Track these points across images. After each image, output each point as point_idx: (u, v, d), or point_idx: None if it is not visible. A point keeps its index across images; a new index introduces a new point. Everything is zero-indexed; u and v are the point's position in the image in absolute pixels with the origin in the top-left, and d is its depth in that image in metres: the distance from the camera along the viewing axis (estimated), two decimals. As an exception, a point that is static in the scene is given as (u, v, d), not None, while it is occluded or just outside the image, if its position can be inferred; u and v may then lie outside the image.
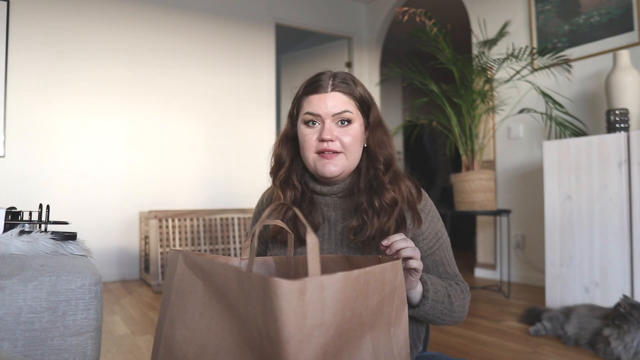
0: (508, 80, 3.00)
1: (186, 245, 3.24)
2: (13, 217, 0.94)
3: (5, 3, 3.04)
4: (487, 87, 3.06)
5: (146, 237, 3.26)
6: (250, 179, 3.81)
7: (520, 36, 3.22)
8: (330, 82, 0.91)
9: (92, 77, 3.32)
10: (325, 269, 0.80)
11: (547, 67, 2.89)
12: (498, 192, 3.36)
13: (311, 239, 0.55)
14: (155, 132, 3.54)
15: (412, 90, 5.08)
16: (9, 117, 3.05)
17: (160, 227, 3.16)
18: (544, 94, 2.79)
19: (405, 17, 2.89)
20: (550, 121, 2.80)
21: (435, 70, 3.20)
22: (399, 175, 0.95)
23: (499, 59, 2.96)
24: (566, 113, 2.77)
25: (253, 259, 0.62)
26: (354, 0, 4.58)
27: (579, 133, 2.71)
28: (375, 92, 4.51)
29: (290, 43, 5.49)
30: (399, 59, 3.53)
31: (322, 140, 0.90)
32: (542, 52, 2.84)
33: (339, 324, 0.54)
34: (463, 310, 0.93)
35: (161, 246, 3.12)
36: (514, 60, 2.93)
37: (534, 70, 3.09)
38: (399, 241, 0.77)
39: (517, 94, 3.20)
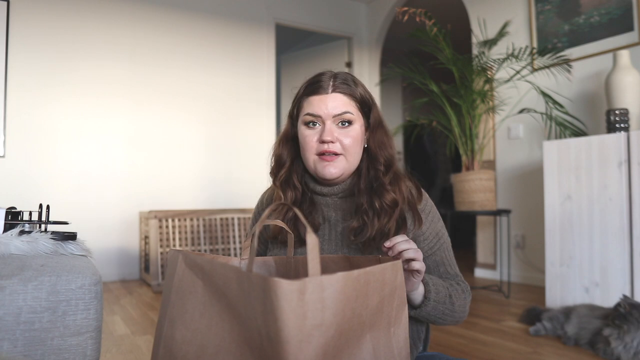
0: (508, 80, 3.00)
1: (186, 245, 3.24)
2: (13, 217, 0.94)
3: (5, 3, 3.04)
4: (487, 87, 3.06)
5: (146, 237, 3.26)
6: (250, 179, 3.82)
7: (520, 36, 3.22)
8: (331, 83, 0.91)
9: (92, 77, 3.32)
10: (325, 269, 0.80)
11: (547, 67, 2.89)
12: (498, 192, 3.36)
13: (311, 239, 0.55)
14: (155, 132, 3.54)
15: (412, 90, 5.08)
16: (9, 117, 3.05)
17: (160, 227, 3.16)
18: (544, 94, 2.79)
19: (405, 17, 2.89)
20: (550, 121, 2.80)
21: (435, 70, 3.20)
22: (400, 176, 0.95)
23: (499, 59, 2.96)
24: (566, 113, 2.77)
25: (253, 259, 0.62)
26: (354, 0, 4.58)
27: (579, 133, 2.71)
28: (375, 92, 4.51)
29: (290, 43, 5.49)
30: (399, 59, 3.53)
31: (322, 142, 0.89)
32: (542, 52, 2.84)
33: (339, 324, 0.54)
34: (464, 310, 0.93)
35: (161, 246, 3.12)
36: (514, 60, 2.93)
37: (534, 70, 3.09)
38: (401, 243, 0.76)
39: (517, 94, 3.20)
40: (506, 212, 2.91)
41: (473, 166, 2.98)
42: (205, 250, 3.28)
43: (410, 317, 0.85)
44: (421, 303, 0.86)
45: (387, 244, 0.77)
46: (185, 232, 3.25)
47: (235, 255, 3.37)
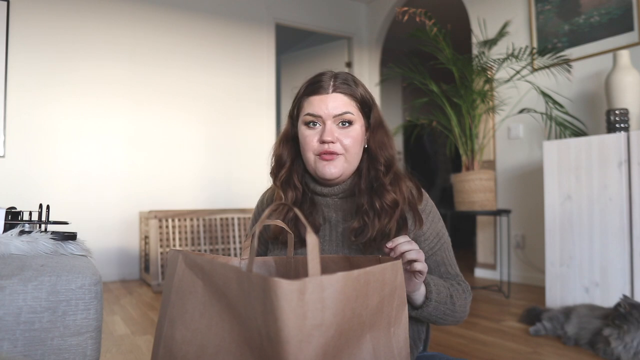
0: (508, 80, 3.00)
1: (186, 245, 3.24)
2: (13, 217, 0.94)
3: (5, 3, 3.04)
4: (487, 87, 3.06)
5: (146, 237, 3.26)
6: (250, 179, 3.82)
7: (520, 36, 3.22)
8: (332, 83, 0.90)
9: (92, 77, 3.32)
10: (326, 269, 0.80)
11: (547, 67, 2.89)
12: (498, 192, 3.36)
13: (311, 239, 0.55)
14: (155, 132, 3.54)
15: (412, 90, 5.08)
16: (9, 117, 3.05)
17: (160, 227, 3.16)
18: (544, 94, 2.79)
19: (405, 17, 2.89)
20: (550, 121, 2.80)
21: (435, 70, 3.20)
22: (400, 176, 0.95)
23: (499, 59, 2.96)
24: (566, 113, 2.77)
25: (253, 259, 0.62)
26: (354, 0, 4.58)
27: (579, 133, 2.71)
28: (375, 92, 4.51)
29: (290, 43, 5.49)
30: (399, 59, 3.53)
31: (323, 142, 0.89)
32: (542, 52, 2.84)
33: (339, 324, 0.54)
34: (465, 310, 0.93)
35: (161, 246, 3.12)
36: (514, 60, 2.93)
37: (534, 70, 3.09)
38: (403, 244, 0.76)
39: (517, 94, 3.20)
40: (506, 212, 2.91)
41: (473, 166, 2.98)
42: (205, 250, 3.28)
43: (411, 317, 0.85)
44: (422, 303, 0.86)
45: (390, 244, 0.77)
46: (185, 232, 3.25)
47: (235, 255, 3.37)
